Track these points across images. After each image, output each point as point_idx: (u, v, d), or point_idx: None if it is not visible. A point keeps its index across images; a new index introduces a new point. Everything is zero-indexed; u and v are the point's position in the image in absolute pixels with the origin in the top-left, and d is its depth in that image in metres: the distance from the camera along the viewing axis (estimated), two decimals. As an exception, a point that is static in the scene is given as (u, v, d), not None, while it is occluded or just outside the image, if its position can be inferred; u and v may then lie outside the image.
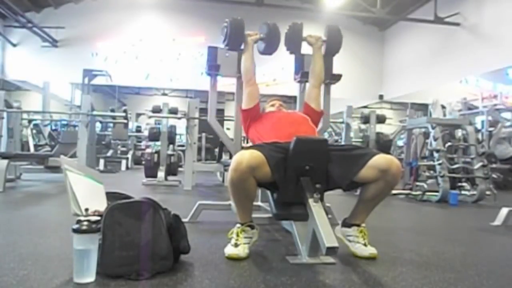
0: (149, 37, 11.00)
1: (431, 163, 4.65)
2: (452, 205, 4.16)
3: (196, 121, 5.16)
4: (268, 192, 1.86)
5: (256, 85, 2.33)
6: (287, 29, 2.40)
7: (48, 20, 10.53)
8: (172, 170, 5.60)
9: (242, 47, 2.34)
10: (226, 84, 2.90)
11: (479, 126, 6.97)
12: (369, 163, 1.72)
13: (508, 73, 10.80)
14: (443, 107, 5.80)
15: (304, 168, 1.70)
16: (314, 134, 2.17)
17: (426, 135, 5.09)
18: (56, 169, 4.59)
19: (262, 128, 2.18)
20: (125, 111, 7.76)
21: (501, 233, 2.67)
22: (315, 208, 1.61)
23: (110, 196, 1.61)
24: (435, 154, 4.49)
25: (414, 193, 4.71)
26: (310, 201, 1.64)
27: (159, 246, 1.44)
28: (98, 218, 1.38)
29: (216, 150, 6.63)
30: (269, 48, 2.36)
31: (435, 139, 4.52)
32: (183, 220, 1.66)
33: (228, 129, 3.23)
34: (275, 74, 10.93)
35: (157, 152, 5.43)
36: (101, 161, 7.67)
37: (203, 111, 4.27)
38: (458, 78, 10.24)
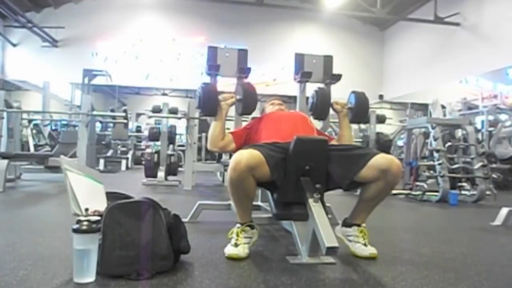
0: (149, 37, 11.01)
1: (431, 163, 4.64)
2: (452, 205, 4.15)
3: (196, 121, 5.16)
4: (268, 192, 1.86)
5: (224, 138, 2.14)
6: (313, 95, 2.30)
7: (48, 20, 10.54)
8: (172, 170, 5.59)
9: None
10: (226, 84, 2.90)
11: (479, 126, 6.97)
12: (370, 163, 1.72)
13: (508, 73, 10.81)
14: (443, 107, 5.80)
15: (304, 168, 1.70)
16: (313, 134, 2.17)
17: (426, 135, 5.09)
18: (56, 169, 4.59)
19: (262, 128, 2.17)
20: (125, 111, 7.76)
21: (501, 233, 2.67)
22: (315, 208, 1.61)
23: (110, 196, 1.61)
24: (435, 154, 4.49)
25: (414, 193, 4.71)
26: (310, 201, 1.64)
27: (159, 246, 1.44)
28: (98, 218, 1.38)
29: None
30: (246, 109, 2.20)
31: (435, 139, 4.51)
32: (183, 220, 1.66)
33: (228, 129, 3.22)
34: (275, 74, 10.94)
35: (157, 152, 5.43)
36: (101, 161, 7.66)
37: (203, 111, 4.26)
38: (458, 78, 10.25)
